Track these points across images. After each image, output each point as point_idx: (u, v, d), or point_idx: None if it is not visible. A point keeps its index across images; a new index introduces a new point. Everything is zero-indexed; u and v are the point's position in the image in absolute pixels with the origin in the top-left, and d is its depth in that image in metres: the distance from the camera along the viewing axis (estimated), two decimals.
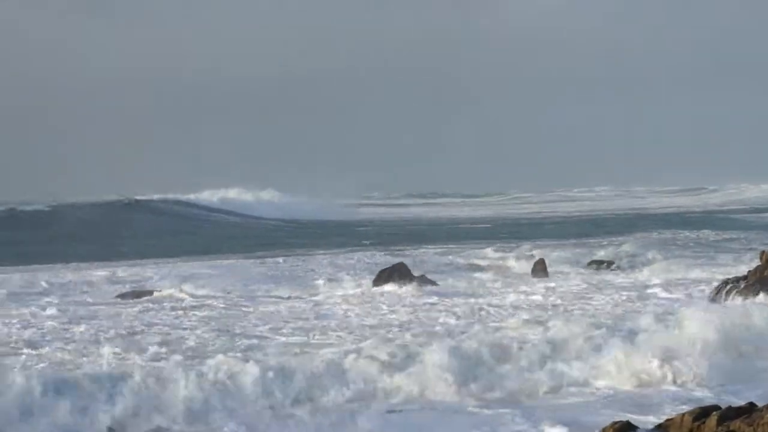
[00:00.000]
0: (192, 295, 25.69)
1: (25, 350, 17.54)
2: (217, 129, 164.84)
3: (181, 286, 27.24)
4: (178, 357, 16.35)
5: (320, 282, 28.94)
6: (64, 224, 61.74)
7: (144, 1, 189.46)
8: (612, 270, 32.42)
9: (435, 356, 15.63)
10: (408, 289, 26.23)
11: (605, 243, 43.06)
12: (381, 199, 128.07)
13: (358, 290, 26.65)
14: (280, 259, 38.52)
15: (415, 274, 28.74)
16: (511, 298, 24.26)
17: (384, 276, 28.25)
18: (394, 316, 21.68)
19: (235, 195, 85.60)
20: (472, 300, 23.89)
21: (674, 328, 17.17)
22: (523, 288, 26.49)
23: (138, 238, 56.21)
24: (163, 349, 17.32)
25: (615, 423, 12.70)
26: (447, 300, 24.10)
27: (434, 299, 24.39)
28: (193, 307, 23.48)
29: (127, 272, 33.25)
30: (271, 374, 14.80)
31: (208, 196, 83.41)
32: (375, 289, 27.06)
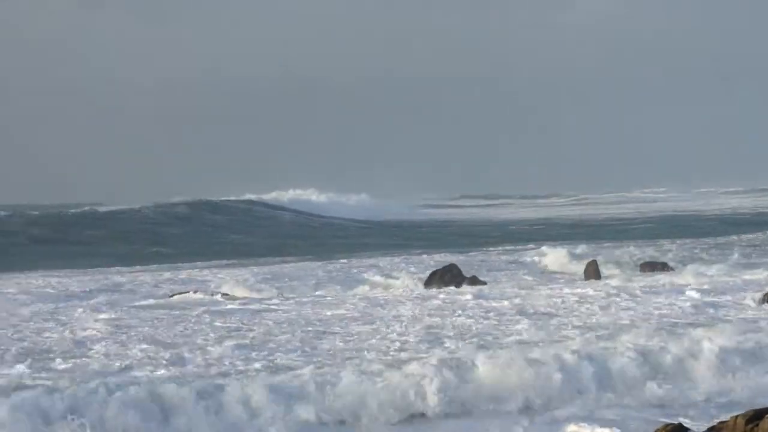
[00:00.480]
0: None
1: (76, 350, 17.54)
2: (294, 130, 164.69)
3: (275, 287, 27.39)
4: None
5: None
6: (164, 224, 62.79)
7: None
8: (666, 271, 32.04)
9: None
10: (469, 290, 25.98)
11: (664, 244, 42.73)
12: (445, 200, 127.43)
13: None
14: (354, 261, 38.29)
15: (467, 275, 28.67)
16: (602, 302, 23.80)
17: (436, 278, 28.18)
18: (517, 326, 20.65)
19: (308, 196, 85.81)
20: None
21: None
22: (580, 290, 26.05)
23: (219, 238, 56.83)
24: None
25: (667, 426, 12.59)
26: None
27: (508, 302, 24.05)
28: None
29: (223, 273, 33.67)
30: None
31: (281, 196, 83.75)
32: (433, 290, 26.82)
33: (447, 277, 28.02)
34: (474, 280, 28.16)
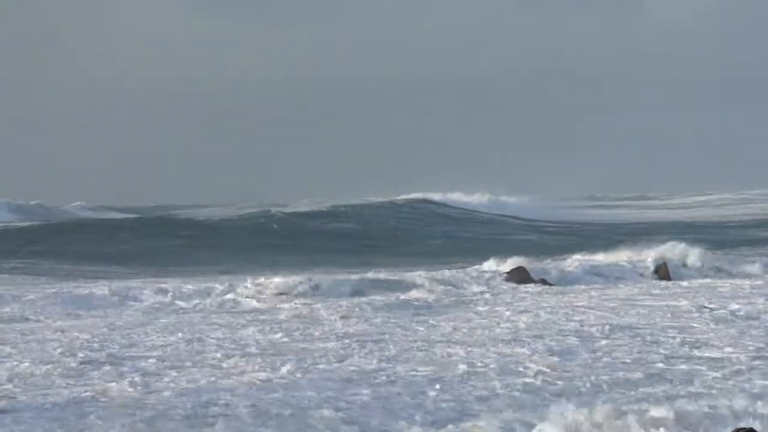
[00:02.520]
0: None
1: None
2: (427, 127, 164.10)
3: None
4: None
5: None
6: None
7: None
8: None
9: None
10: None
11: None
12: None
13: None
14: None
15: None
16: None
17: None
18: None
19: (467, 197, 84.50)
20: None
21: None
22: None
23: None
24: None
25: (739, 429, 12.42)
26: None
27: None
28: None
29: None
30: None
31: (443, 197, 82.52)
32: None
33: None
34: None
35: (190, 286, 26.35)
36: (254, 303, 24.61)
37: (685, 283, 27.87)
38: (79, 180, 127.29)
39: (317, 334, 18.77)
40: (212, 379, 14.26)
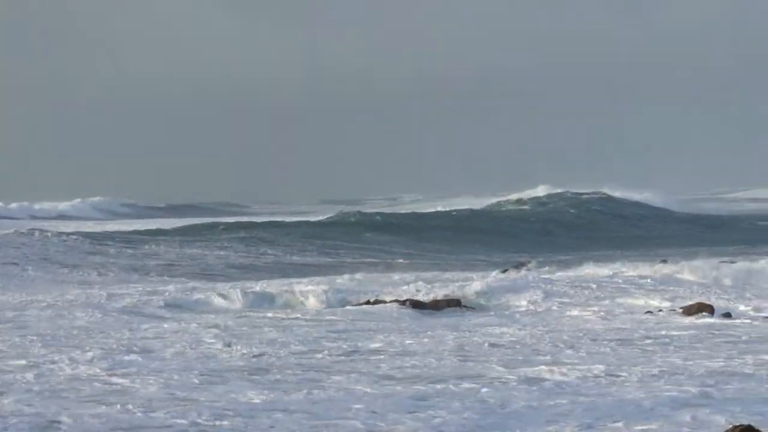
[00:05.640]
0: None
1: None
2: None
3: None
4: None
5: None
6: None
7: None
8: None
9: None
10: None
11: None
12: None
13: None
14: None
15: None
16: None
17: None
18: None
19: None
20: None
21: None
22: None
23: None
24: None
25: (736, 427, 11.93)
26: None
27: None
28: None
29: None
30: None
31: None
32: None
33: None
34: None
35: None
36: None
37: None
38: None
39: None
40: None
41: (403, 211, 72.90)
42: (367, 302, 24.14)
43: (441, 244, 50.72)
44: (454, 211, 67.15)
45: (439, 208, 73.54)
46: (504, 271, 29.73)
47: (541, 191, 74.01)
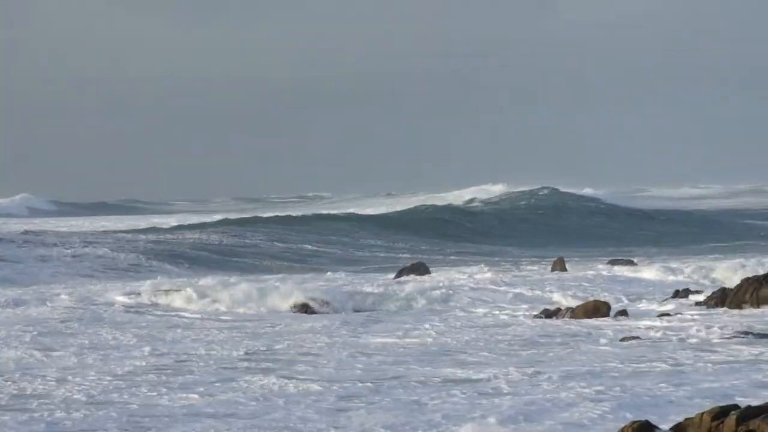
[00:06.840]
0: None
1: None
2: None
3: None
4: None
5: None
6: None
7: None
8: None
9: None
10: None
11: None
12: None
13: None
14: None
15: None
16: None
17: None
18: None
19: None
20: None
21: None
22: None
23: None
24: None
25: (633, 423, 12.09)
26: None
27: None
28: None
29: None
30: None
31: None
32: None
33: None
34: None
35: None
36: None
37: None
38: None
39: None
40: None
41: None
42: None
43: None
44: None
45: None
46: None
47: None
